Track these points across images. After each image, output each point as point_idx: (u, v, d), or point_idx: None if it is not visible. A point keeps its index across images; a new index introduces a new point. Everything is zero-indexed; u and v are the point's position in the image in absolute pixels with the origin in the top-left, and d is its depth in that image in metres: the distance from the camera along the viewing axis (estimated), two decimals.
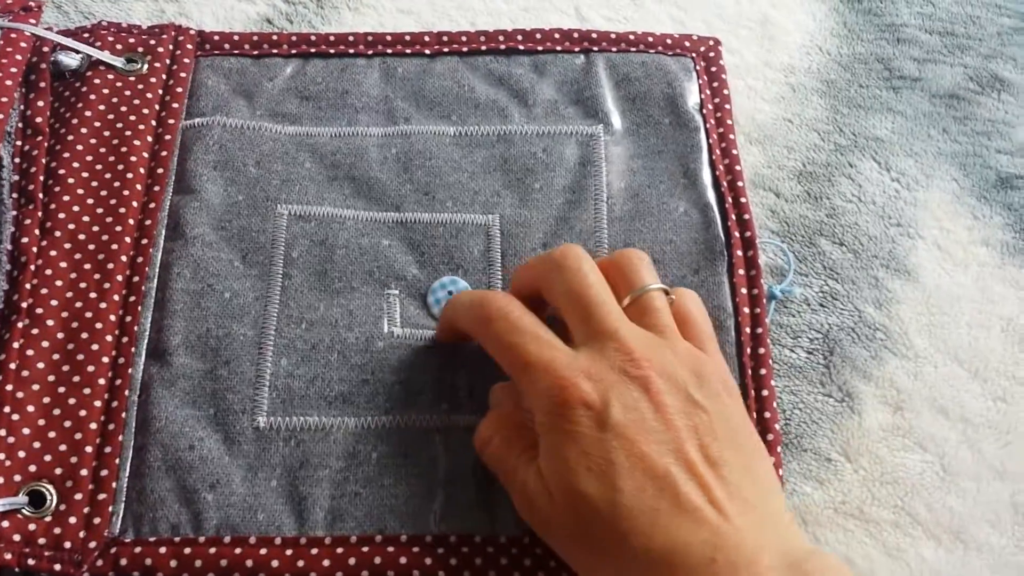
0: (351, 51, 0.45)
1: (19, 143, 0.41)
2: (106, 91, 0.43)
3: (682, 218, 0.41)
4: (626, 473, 0.30)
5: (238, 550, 0.33)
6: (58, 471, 0.34)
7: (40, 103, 0.42)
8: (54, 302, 0.37)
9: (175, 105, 0.43)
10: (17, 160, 0.40)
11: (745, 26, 0.49)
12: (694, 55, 0.46)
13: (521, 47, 0.46)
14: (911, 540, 0.36)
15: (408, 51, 0.46)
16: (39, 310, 0.37)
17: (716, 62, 0.46)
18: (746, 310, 0.39)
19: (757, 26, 0.49)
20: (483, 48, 0.46)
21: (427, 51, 0.46)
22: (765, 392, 0.37)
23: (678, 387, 0.32)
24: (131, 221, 0.39)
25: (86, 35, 0.44)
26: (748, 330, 0.39)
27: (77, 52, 0.43)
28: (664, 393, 0.31)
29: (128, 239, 0.39)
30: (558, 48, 0.46)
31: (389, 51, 0.46)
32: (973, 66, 0.48)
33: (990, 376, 0.40)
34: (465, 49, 0.46)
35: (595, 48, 0.46)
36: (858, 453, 0.38)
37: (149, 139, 0.42)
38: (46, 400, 0.35)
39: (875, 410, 0.39)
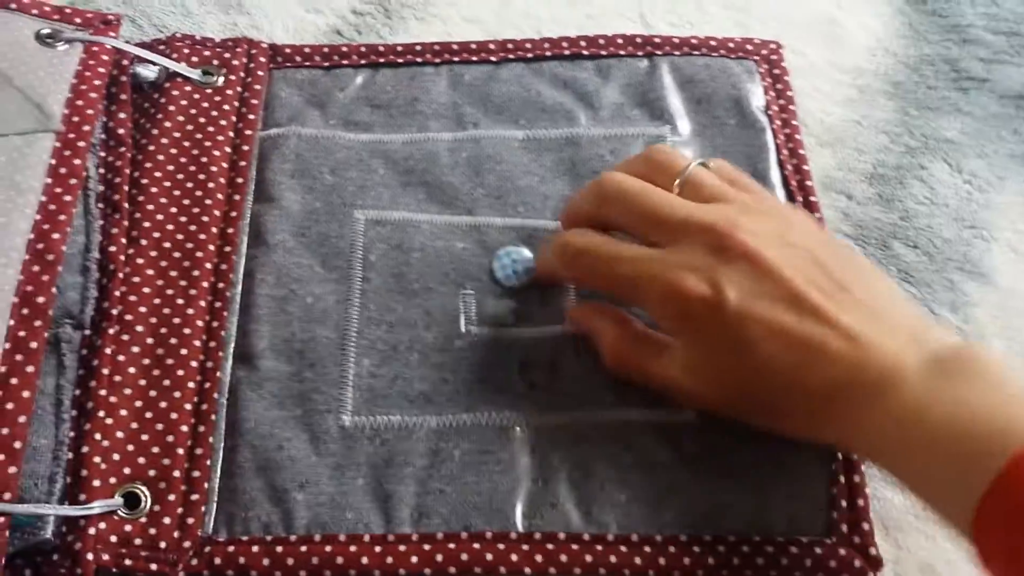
0: (419, 60, 0.46)
1: (103, 154, 0.42)
2: (184, 103, 0.44)
3: None
4: (761, 342, 0.32)
5: (328, 548, 0.34)
6: (152, 473, 0.35)
7: (122, 115, 0.43)
8: (143, 308, 0.38)
9: (251, 116, 0.44)
10: (102, 171, 0.42)
11: (811, 29, 0.49)
12: (756, 58, 0.46)
13: (585, 52, 0.46)
14: None
15: (474, 58, 0.46)
16: (129, 316, 0.38)
17: (779, 64, 0.46)
18: None
19: (823, 28, 0.49)
20: (548, 54, 0.46)
21: (493, 58, 0.46)
22: None
23: (770, 237, 0.33)
24: (214, 230, 0.40)
25: (162, 47, 0.46)
26: None
27: (155, 64, 0.44)
28: (762, 250, 0.33)
29: (212, 247, 0.40)
30: (621, 52, 0.46)
31: (456, 59, 0.46)
32: None
33: None
34: (530, 55, 0.46)
35: (658, 52, 0.46)
36: None
37: (228, 150, 0.43)
38: (138, 404, 0.36)
39: None
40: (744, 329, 0.32)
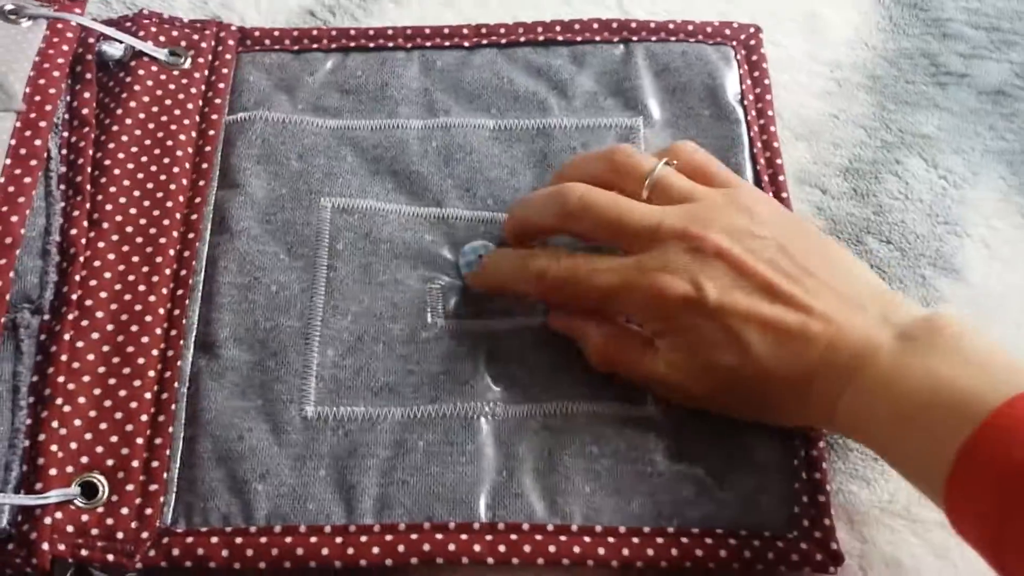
0: (390, 44, 0.45)
1: (66, 134, 0.41)
2: (150, 83, 0.43)
3: None
4: (742, 332, 0.33)
5: (288, 539, 0.34)
6: (110, 462, 0.35)
7: (86, 94, 0.42)
8: (103, 294, 0.37)
9: (217, 100, 0.43)
10: (64, 152, 0.41)
11: (791, 20, 0.48)
12: (734, 43, 0.46)
13: (560, 38, 0.46)
14: (957, 540, 0.35)
15: (447, 44, 0.46)
16: (88, 302, 0.37)
17: (757, 50, 0.46)
18: None
19: (803, 20, 0.48)
20: (522, 40, 0.46)
21: (466, 43, 0.46)
22: None
23: (739, 233, 0.34)
24: (177, 216, 0.40)
25: (128, 24, 0.45)
26: None
27: (121, 42, 0.43)
28: (733, 248, 0.34)
29: (175, 233, 0.39)
30: (597, 39, 0.46)
31: (428, 44, 0.46)
32: (1020, 62, 0.47)
33: None
34: (504, 41, 0.46)
35: (634, 38, 0.46)
36: None
37: (193, 134, 0.42)
38: (97, 391, 0.36)
39: None
40: (726, 321, 0.33)
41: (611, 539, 0.34)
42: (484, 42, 0.45)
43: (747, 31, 0.46)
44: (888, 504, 0.37)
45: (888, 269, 0.41)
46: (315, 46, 0.45)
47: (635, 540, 0.34)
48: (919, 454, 0.31)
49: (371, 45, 0.45)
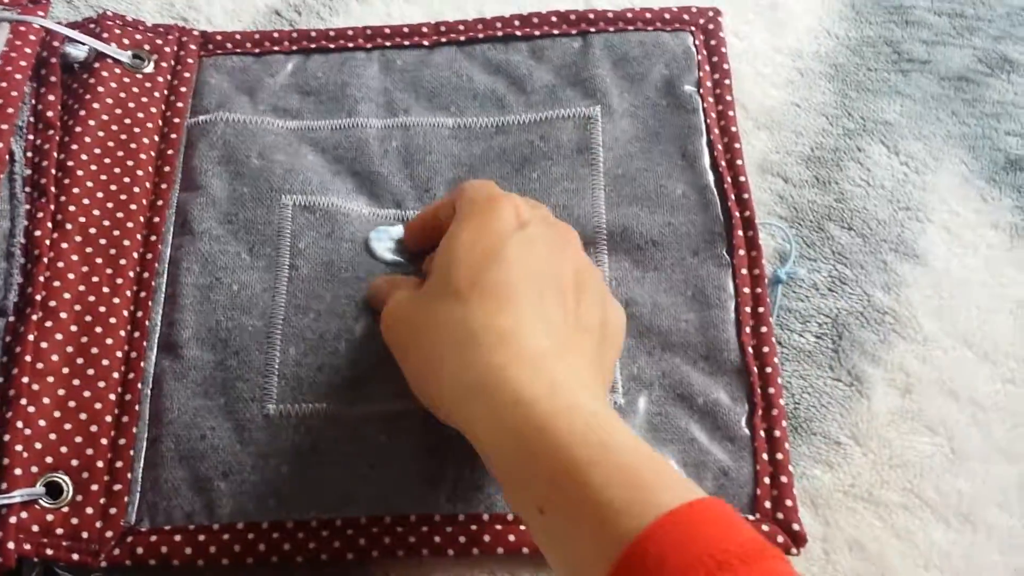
0: (351, 45, 0.46)
1: (31, 137, 0.41)
2: (113, 85, 0.43)
3: (680, 200, 0.41)
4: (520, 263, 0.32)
5: (251, 535, 0.34)
6: (74, 462, 0.35)
7: (51, 97, 0.42)
8: (67, 295, 0.38)
9: (180, 104, 0.43)
10: (29, 155, 0.41)
11: (753, 10, 0.48)
12: (693, 28, 0.46)
13: (518, 33, 0.46)
14: (920, 522, 0.37)
15: (407, 43, 0.46)
16: (52, 303, 0.37)
17: (716, 34, 0.46)
18: (747, 290, 0.39)
19: (766, 10, 0.49)
20: (481, 36, 0.46)
21: (425, 42, 0.46)
22: (769, 369, 0.38)
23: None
24: (141, 218, 0.40)
25: (92, 26, 0.45)
26: (748, 310, 0.39)
27: (84, 44, 0.44)
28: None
29: (138, 236, 0.40)
30: (555, 32, 0.46)
31: (388, 44, 0.46)
32: (982, 48, 0.48)
33: (999, 359, 0.40)
34: (463, 38, 0.46)
35: (592, 29, 0.46)
36: (867, 436, 0.38)
37: (156, 138, 0.42)
38: (61, 392, 0.36)
39: (884, 394, 0.39)
40: (518, 246, 0.33)
41: None
42: (443, 40, 0.46)
43: (706, 15, 0.46)
44: (851, 488, 0.37)
45: (850, 255, 0.42)
46: (276, 48, 0.45)
47: None
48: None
49: (331, 46, 0.45)
